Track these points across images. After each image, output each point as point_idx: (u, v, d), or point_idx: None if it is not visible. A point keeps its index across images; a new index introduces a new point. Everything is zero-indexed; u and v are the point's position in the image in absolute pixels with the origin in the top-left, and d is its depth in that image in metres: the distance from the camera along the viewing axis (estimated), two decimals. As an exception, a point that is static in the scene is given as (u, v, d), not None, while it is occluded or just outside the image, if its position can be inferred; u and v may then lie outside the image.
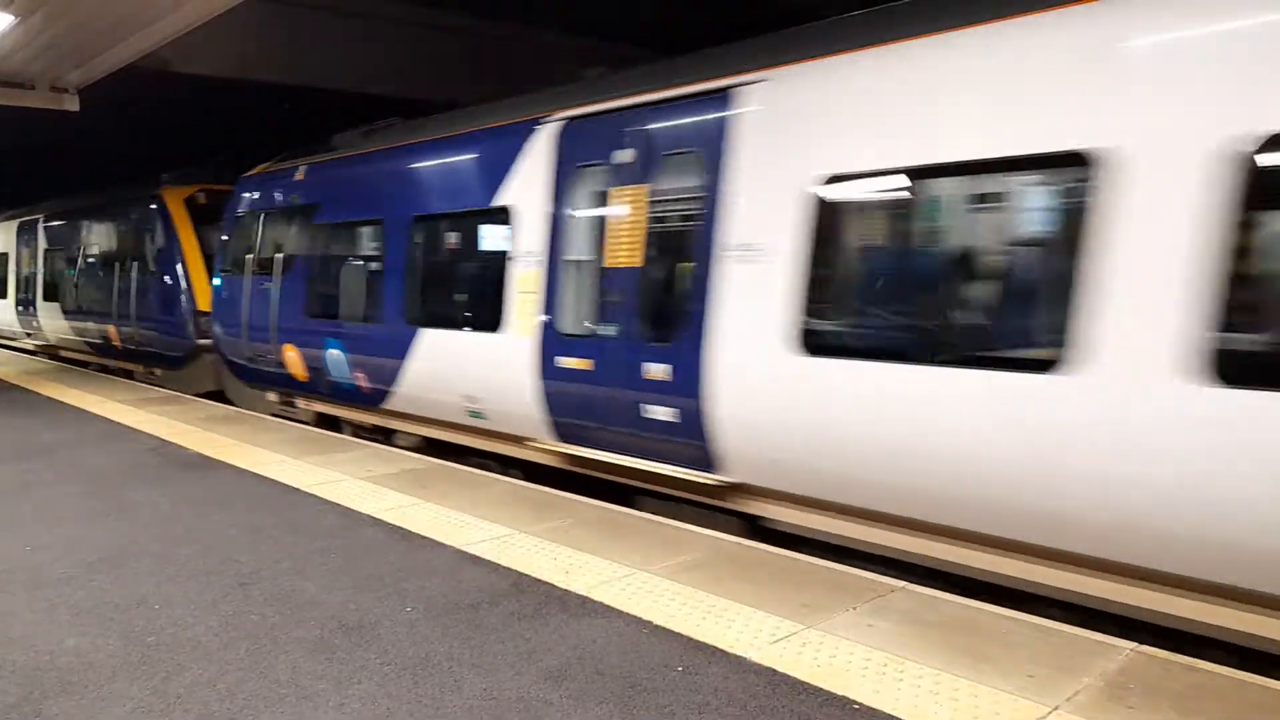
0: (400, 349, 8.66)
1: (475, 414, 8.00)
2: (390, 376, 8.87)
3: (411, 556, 5.33)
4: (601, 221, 6.92)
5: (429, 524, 5.98)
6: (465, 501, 6.58)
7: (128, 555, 5.33)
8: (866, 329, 5.41)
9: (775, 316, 5.59)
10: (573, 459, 7.18)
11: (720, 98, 6.06)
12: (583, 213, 7.08)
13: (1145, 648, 4.01)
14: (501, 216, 7.61)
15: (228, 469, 7.70)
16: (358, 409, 9.86)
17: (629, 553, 5.36)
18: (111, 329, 16.01)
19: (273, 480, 7.25)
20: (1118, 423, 4.23)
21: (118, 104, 16.22)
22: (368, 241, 9.46)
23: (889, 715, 3.42)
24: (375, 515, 6.20)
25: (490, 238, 7.88)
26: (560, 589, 4.76)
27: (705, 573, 5.01)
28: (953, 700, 3.53)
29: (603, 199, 6.92)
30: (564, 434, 7.22)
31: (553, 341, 7.13)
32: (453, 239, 8.55)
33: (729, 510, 6.28)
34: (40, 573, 5.02)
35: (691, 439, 6.17)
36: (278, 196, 11.09)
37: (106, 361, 16.98)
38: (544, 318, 7.18)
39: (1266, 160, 3.87)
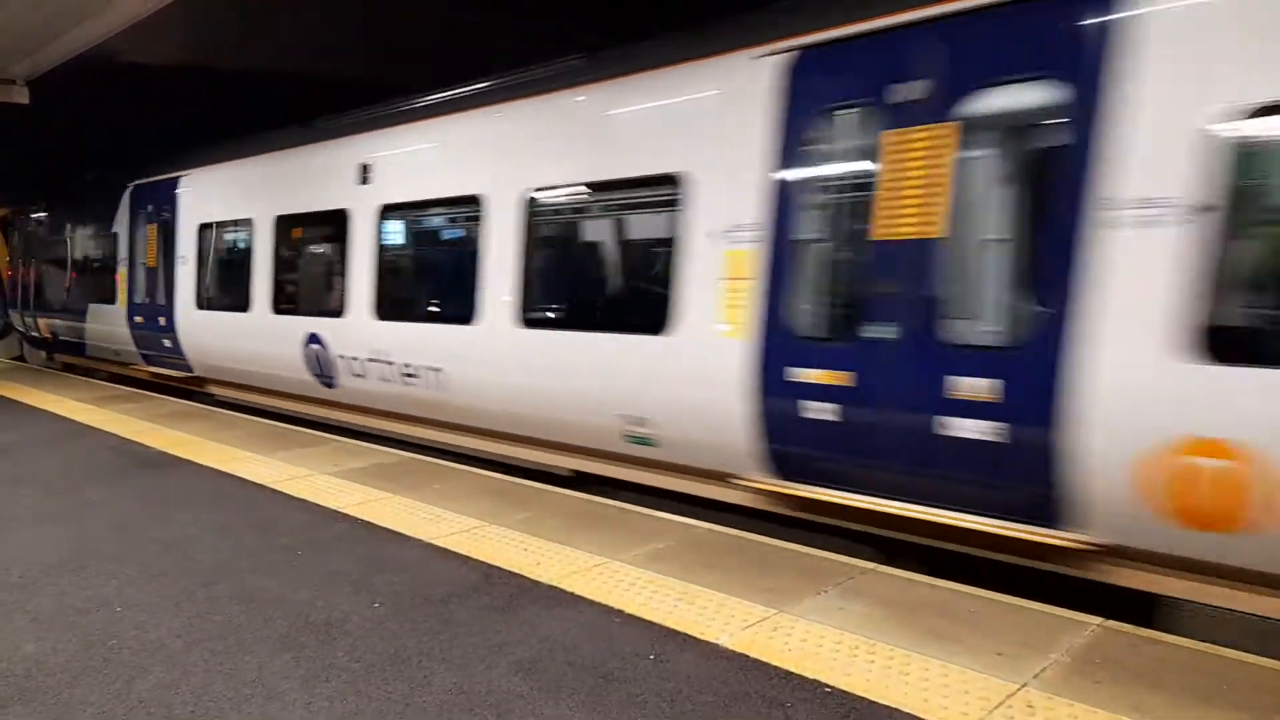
0: (83, 317, 15.08)
1: (116, 353, 14.19)
2: (82, 334, 15.30)
3: (380, 551, 5.27)
4: (147, 242, 12.87)
5: (397, 518, 5.92)
6: (434, 494, 6.51)
7: (88, 557, 5.21)
8: (213, 297, 11.41)
9: (190, 291, 11.65)
10: (154, 374, 13.17)
11: (176, 180, 12.25)
12: (141, 237, 13.09)
13: (1111, 623, 4.06)
14: (115, 238, 13.86)
15: (191, 467, 7.56)
16: (78, 357, 16.12)
17: (599, 542, 5.34)
18: None
19: (238, 477, 7.13)
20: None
21: (72, 94, 15.81)
22: (63, 251, 16.32)
23: (860, 697, 3.43)
24: (343, 510, 6.12)
25: (113, 250, 13.99)
26: (531, 580, 4.73)
27: (675, 561, 5.00)
28: (923, 680, 3.55)
29: (148, 231, 12.87)
30: (148, 360, 13.24)
31: (134, 307, 13.21)
32: (98, 250, 14.86)
33: (206, 394, 12.21)
34: (-4, 577, 4.89)
35: (178, 356, 12.22)
36: (29, 220, 18.33)
37: None
38: (131, 294, 13.31)
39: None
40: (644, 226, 6.71)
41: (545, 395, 6.97)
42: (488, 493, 6.56)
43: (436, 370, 7.77)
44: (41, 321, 17.07)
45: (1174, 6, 4.12)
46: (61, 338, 16.19)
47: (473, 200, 7.51)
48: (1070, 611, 4.22)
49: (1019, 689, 3.47)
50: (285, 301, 10.06)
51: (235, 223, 10.89)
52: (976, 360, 4.67)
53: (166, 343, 12.28)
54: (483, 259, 7.35)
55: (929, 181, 4.84)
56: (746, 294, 5.59)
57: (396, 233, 8.71)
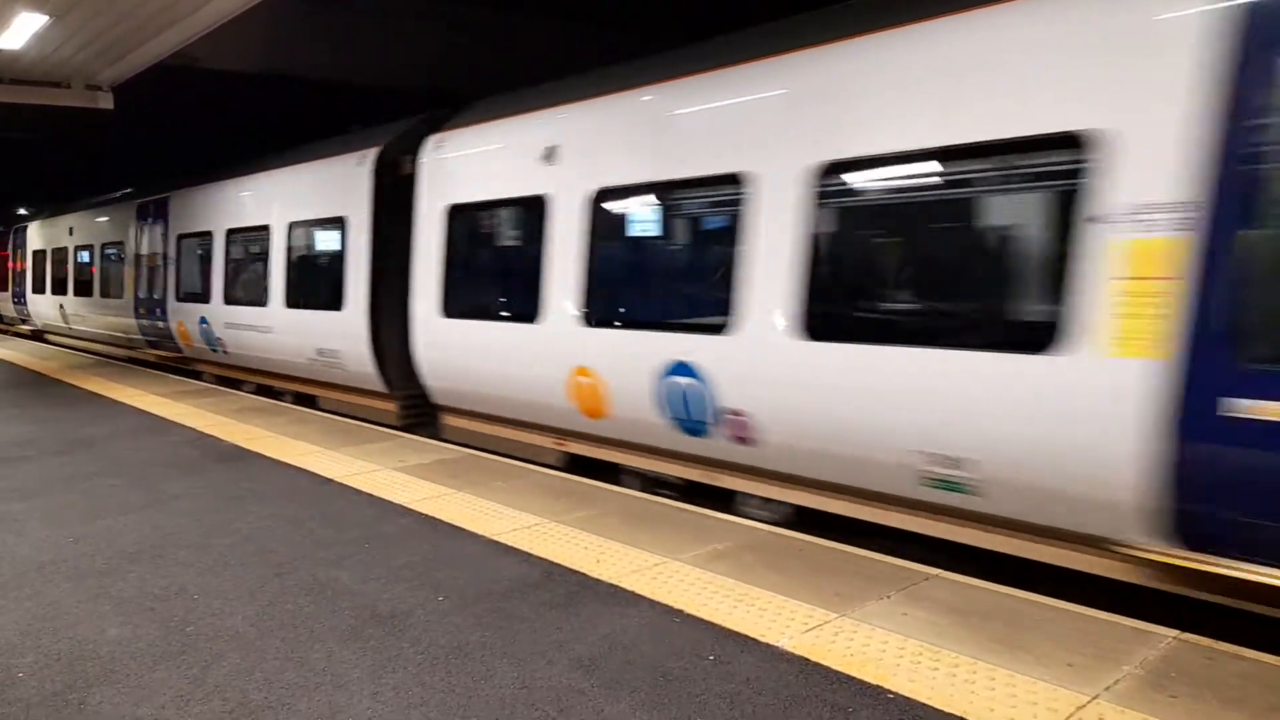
0: (22, 299, 25.68)
1: (23, 319, 26.40)
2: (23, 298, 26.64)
3: (443, 546, 5.37)
4: (21, 259, 25.68)
5: (461, 514, 6.03)
6: (496, 491, 6.61)
7: (167, 546, 5.43)
8: (36, 283, 23.73)
9: (40, 282, 23.03)
10: (31, 330, 25.61)
11: (25, 225, 25.36)
12: (23, 257, 25.61)
13: (1188, 635, 3.93)
14: (14, 253, 26.88)
15: (264, 460, 7.81)
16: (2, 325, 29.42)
17: (659, 542, 5.36)
18: None
19: (308, 471, 7.34)
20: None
21: (151, 102, 16.47)
22: None
23: (924, 705, 3.38)
24: (408, 505, 6.26)
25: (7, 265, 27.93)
26: (591, 578, 4.77)
27: (735, 561, 4.99)
28: (989, 689, 3.48)
29: (18, 254, 26.04)
30: (22, 321, 26.84)
31: (16, 293, 26.91)
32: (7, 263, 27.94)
33: (41, 336, 24.62)
34: (83, 563, 5.12)
35: (22, 312, 25.95)
36: None
37: None
38: (32, 283, 24.38)
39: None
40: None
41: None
42: (548, 491, 6.64)
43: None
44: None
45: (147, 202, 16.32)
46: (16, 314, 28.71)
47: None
48: (1144, 623, 4.09)
49: (1090, 700, 3.38)
50: (52, 285, 21.53)
51: (59, 249, 21.11)
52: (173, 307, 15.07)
53: (27, 310, 24.41)
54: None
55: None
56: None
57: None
